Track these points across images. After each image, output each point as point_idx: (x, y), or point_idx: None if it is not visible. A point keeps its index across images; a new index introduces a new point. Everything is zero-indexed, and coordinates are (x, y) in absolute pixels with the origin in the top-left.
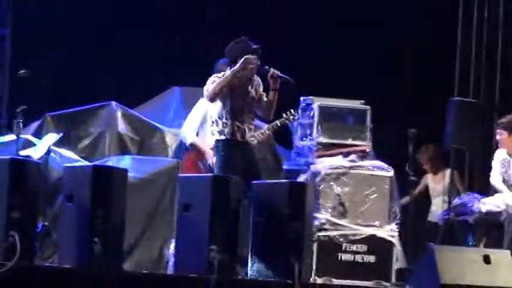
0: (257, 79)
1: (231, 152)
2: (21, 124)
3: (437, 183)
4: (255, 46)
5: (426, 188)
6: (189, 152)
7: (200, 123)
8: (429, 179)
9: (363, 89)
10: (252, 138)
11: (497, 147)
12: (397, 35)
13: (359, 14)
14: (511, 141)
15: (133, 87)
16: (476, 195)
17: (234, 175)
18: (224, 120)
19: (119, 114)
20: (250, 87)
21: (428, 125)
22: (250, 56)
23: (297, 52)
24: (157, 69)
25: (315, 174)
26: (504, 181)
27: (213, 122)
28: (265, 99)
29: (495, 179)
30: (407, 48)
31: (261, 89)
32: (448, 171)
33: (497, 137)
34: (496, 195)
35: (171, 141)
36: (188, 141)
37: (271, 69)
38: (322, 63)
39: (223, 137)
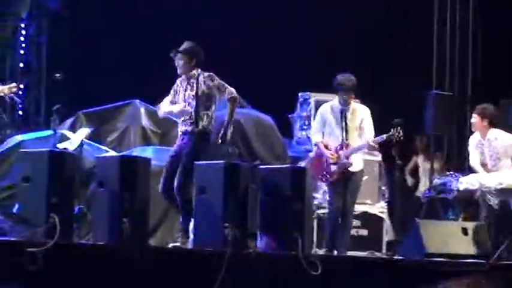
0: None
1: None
2: (57, 121)
3: (426, 165)
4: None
5: (416, 168)
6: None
7: (321, 126)
8: (420, 161)
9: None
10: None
11: (471, 133)
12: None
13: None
14: (483, 126)
15: (154, 86)
16: (455, 174)
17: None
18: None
19: (142, 110)
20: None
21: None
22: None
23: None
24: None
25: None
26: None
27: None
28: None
29: (474, 161)
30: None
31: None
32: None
33: (472, 120)
34: (472, 174)
35: None
36: (313, 141)
37: None
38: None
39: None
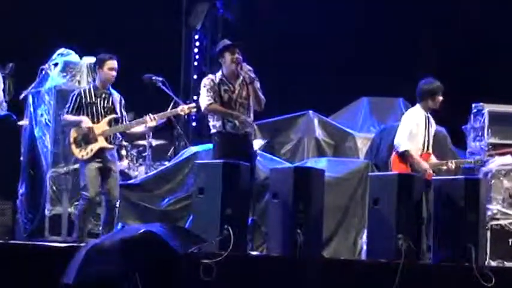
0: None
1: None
2: None
3: None
4: (228, 43)
5: None
6: (399, 155)
7: (409, 133)
8: None
9: None
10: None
11: None
12: None
13: None
14: None
15: (327, 97)
16: None
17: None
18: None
19: (316, 121)
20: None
21: None
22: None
23: None
24: (348, 82)
25: (487, 171)
26: None
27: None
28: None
29: None
30: None
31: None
32: None
33: None
34: None
35: (361, 145)
36: (401, 149)
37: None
38: None
39: (214, 131)
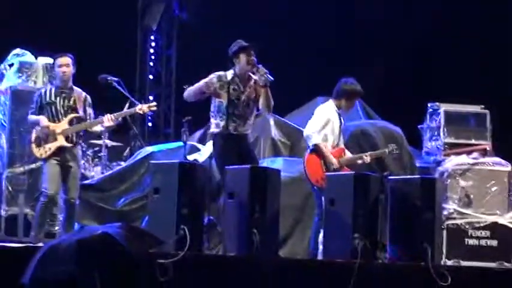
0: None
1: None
2: (187, 132)
3: None
4: (245, 44)
5: None
6: (312, 152)
7: (321, 127)
8: None
9: None
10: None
11: None
12: None
13: None
14: None
15: (283, 97)
16: None
17: (229, 164)
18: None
19: (272, 121)
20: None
21: None
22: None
23: None
24: (303, 81)
25: (443, 170)
26: None
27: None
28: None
29: None
30: None
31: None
32: None
33: None
34: None
35: None
36: (312, 142)
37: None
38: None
39: (217, 130)
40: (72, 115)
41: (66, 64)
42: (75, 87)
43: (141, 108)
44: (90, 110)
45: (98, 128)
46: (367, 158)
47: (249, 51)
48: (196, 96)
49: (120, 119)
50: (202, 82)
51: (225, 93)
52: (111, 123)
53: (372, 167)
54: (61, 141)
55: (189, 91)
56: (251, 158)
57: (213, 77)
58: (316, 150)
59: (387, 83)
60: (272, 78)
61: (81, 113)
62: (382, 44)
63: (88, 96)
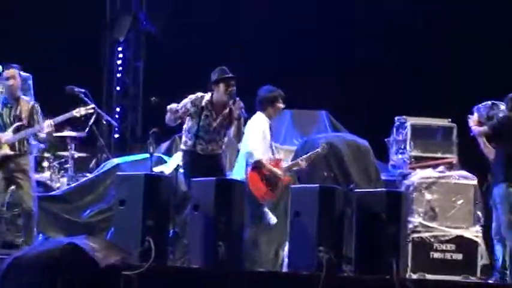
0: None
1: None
2: (153, 144)
3: None
4: (226, 75)
5: None
6: (254, 169)
7: (260, 141)
8: None
9: None
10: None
11: None
12: None
13: None
14: None
15: (249, 110)
16: None
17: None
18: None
19: None
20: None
21: None
22: None
23: None
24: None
25: (409, 183)
26: None
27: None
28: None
29: None
30: None
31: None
32: None
33: None
34: None
35: (284, 157)
36: (255, 157)
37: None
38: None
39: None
40: (16, 124)
41: (12, 76)
42: (23, 97)
43: (79, 111)
44: (38, 118)
45: (42, 135)
46: (302, 162)
47: (228, 82)
48: (176, 121)
49: (62, 121)
50: (178, 106)
51: (197, 118)
52: (50, 129)
53: (337, 180)
54: (5, 150)
55: (169, 117)
56: (219, 172)
57: (187, 102)
58: (258, 166)
59: (354, 96)
60: (246, 115)
61: (25, 122)
62: (349, 57)
63: (36, 105)
